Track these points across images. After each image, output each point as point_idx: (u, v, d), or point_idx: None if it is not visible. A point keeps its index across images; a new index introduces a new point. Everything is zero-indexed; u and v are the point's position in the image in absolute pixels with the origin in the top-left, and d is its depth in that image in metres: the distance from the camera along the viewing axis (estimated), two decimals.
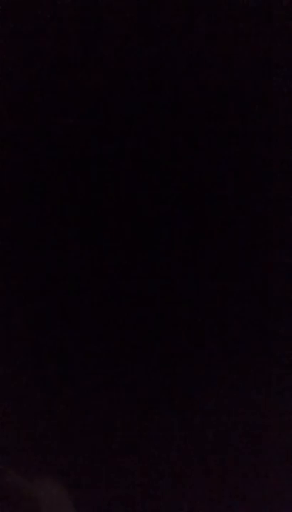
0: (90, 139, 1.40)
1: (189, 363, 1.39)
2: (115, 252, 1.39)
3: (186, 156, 1.39)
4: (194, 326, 1.39)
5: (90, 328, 1.39)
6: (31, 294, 1.40)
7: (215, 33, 1.38)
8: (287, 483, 1.38)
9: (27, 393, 1.39)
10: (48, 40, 1.39)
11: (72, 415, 1.38)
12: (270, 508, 1.38)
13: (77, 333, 1.39)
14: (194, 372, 1.39)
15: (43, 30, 1.39)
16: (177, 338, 1.39)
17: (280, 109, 1.39)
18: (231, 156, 1.40)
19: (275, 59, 1.39)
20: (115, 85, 1.39)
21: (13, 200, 1.40)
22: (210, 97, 1.39)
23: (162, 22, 1.38)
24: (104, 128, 1.39)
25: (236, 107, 1.39)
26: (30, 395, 1.39)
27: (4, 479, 1.31)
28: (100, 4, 1.38)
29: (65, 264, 1.39)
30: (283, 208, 1.40)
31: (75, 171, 1.40)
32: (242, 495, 1.38)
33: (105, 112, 1.39)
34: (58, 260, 1.39)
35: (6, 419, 1.39)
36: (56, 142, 1.40)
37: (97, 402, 1.39)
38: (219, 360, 1.39)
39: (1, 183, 1.40)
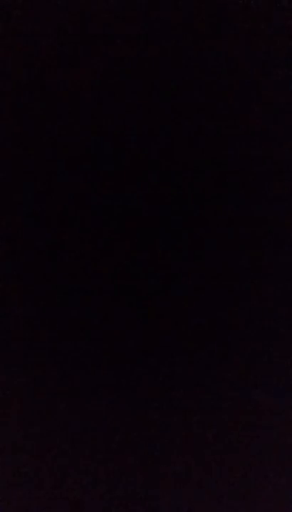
0: (91, 140, 1.40)
1: (189, 364, 1.39)
2: (115, 253, 1.40)
3: (186, 156, 1.40)
4: (194, 327, 1.39)
5: (91, 329, 1.39)
6: (31, 294, 1.40)
7: (215, 33, 1.38)
8: (287, 483, 1.38)
9: (27, 393, 1.39)
10: (48, 40, 1.39)
11: (72, 415, 1.39)
12: (271, 508, 1.38)
13: (78, 333, 1.39)
14: (194, 372, 1.39)
15: (43, 30, 1.39)
16: (177, 339, 1.39)
17: (281, 108, 1.40)
18: (230, 156, 1.40)
19: (275, 59, 1.39)
20: (116, 85, 1.39)
21: (14, 200, 1.40)
22: (210, 98, 1.39)
23: (162, 22, 1.38)
24: (104, 128, 1.40)
25: (235, 107, 1.39)
26: (30, 394, 1.39)
27: None
28: (100, 4, 1.39)
29: (65, 265, 1.40)
30: (283, 209, 1.40)
31: (75, 172, 1.40)
32: (242, 495, 1.38)
33: (105, 112, 1.39)
34: (59, 261, 1.40)
35: (6, 419, 1.39)
36: (56, 142, 1.40)
37: (98, 402, 1.39)
38: (219, 361, 1.39)
39: (1, 184, 1.41)
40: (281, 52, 1.39)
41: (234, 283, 1.40)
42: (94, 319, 1.40)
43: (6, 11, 1.39)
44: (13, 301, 1.40)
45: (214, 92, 1.39)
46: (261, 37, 1.39)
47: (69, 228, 1.40)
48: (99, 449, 1.38)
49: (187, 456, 1.38)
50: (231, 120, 1.39)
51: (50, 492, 1.38)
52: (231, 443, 1.38)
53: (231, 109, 1.39)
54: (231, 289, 1.40)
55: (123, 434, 1.38)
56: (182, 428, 1.38)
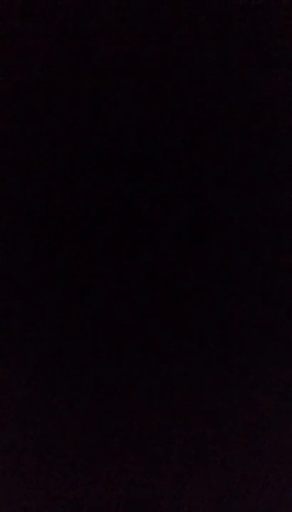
0: (90, 140, 1.40)
1: (189, 363, 1.39)
2: (115, 252, 1.40)
3: (185, 156, 1.40)
4: (194, 327, 1.39)
5: (91, 329, 1.39)
6: (31, 294, 1.40)
7: (215, 33, 1.38)
8: (287, 483, 1.38)
9: (27, 393, 1.39)
10: (48, 40, 1.39)
11: (72, 415, 1.38)
12: (270, 508, 1.38)
13: (78, 333, 1.39)
14: (194, 372, 1.39)
15: (42, 30, 1.39)
16: (177, 339, 1.39)
17: (280, 109, 1.40)
18: (230, 156, 1.40)
19: (275, 59, 1.39)
20: (115, 85, 1.39)
21: (14, 201, 1.40)
22: (210, 98, 1.39)
23: (162, 22, 1.38)
24: (104, 128, 1.39)
25: (235, 107, 1.39)
26: (30, 395, 1.39)
27: None
28: (100, 4, 1.39)
29: (65, 265, 1.39)
30: (283, 208, 1.40)
31: (75, 172, 1.40)
32: (242, 495, 1.38)
33: (105, 112, 1.39)
34: (59, 261, 1.40)
35: (6, 419, 1.39)
36: (56, 142, 1.40)
37: (98, 402, 1.39)
38: (219, 361, 1.39)
39: (1, 184, 1.40)
40: (281, 52, 1.39)
41: (234, 282, 1.40)
42: (94, 318, 1.40)
43: (5, 10, 1.39)
44: (12, 300, 1.40)
45: (213, 92, 1.39)
46: (261, 37, 1.39)
47: (69, 227, 1.40)
48: (99, 448, 1.38)
49: (187, 456, 1.38)
50: (231, 120, 1.39)
51: (50, 492, 1.38)
52: (231, 443, 1.38)
53: (230, 109, 1.39)
54: (230, 288, 1.40)
55: (123, 433, 1.38)
56: (182, 428, 1.38)
